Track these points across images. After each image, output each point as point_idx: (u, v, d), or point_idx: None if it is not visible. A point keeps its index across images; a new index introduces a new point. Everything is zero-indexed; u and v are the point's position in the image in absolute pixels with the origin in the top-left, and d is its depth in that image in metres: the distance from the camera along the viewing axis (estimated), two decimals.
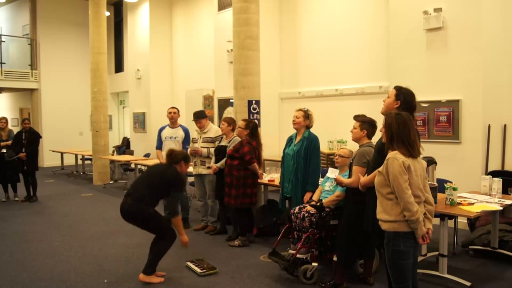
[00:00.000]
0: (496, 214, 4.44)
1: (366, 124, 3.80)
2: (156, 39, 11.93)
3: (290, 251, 4.23)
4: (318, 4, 8.17)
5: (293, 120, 4.63)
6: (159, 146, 6.14)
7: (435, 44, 5.88)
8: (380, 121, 3.29)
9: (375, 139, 3.85)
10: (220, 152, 5.53)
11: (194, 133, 6.07)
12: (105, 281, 4.16)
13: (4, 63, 13.34)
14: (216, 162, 5.53)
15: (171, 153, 4.28)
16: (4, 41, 13.78)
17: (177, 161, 4.23)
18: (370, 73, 7.30)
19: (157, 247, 4.10)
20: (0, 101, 17.08)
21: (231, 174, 5.12)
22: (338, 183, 3.89)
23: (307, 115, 4.59)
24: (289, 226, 4.39)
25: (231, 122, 5.59)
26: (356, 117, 3.88)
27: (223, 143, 5.58)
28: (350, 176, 3.79)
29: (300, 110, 4.64)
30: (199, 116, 5.83)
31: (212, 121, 7.95)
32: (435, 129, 5.92)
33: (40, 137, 8.47)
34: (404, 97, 3.24)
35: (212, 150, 5.69)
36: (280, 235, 4.43)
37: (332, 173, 4.40)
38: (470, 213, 3.77)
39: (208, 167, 5.65)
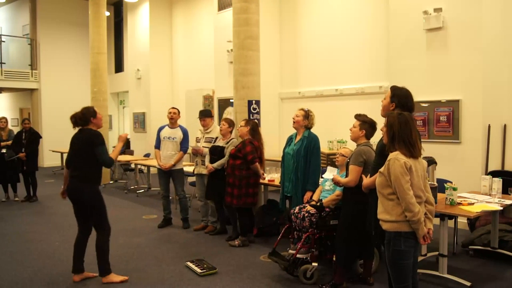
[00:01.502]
0: (496, 214, 4.44)
1: (366, 125, 3.80)
2: (156, 39, 11.93)
3: (290, 251, 4.23)
4: (318, 4, 8.17)
5: (293, 119, 4.65)
6: (158, 145, 6.13)
7: (435, 44, 5.88)
8: (380, 121, 3.29)
9: (373, 140, 3.87)
10: (216, 152, 5.52)
11: (197, 132, 6.07)
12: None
13: (4, 63, 13.34)
14: (211, 162, 5.51)
15: (75, 119, 4.01)
16: (4, 41, 13.78)
17: (86, 121, 4.03)
18: (370, 73, 7.30)
19: (98, 246, 4.06)
20: (0, 101, 17.08)
21: (233, 174, 5.11)
22: (335, 182, 3.90)
23: (307, 115, 4.59)
24: (289, 226, 4.38)
25: (232, 124, 5.60)
26: (358, 116, 3.87)
27: (220, 143, 5.58)
28: (348, 175, 3.80)
29: (302, 109, 4.65)
30: (204, 114, 5.84)
31: None
32: (435, 129, 5.91)
33: (40, 137, 8.48)
34: (399, 99, 3.18)
35: None
36: (280, 235, 4.43)
37: (330, 172, 4.40)
38: (470, 213, 3.77)
39: None
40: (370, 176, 3.24)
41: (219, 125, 5.96)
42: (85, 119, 4.03)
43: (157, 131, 6.24)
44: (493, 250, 4.57)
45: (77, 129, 4.10)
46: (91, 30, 10.15)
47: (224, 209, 5.56)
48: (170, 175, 6.08)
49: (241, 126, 5.25)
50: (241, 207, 5.15)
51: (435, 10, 5.74)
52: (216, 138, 5.72)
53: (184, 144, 6.03)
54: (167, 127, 6.14)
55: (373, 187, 3.09)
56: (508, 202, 4.14)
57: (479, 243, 4.73)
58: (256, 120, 5.82)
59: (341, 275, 3.82)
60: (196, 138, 6.02)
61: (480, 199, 4.23)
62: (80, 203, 4.03)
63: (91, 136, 3.98)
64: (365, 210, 3.39)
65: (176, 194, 6.25)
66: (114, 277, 4.09)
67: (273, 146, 8.40)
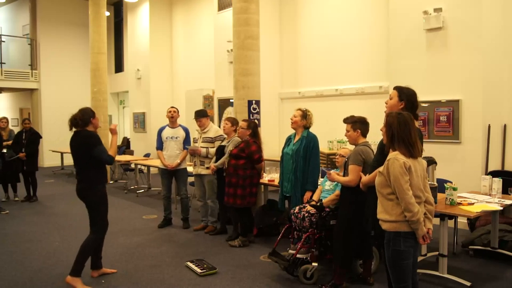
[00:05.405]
0: (496, 214, 4.43)
1: (357, 124, 3.80)
2: (156, 39, 11.94)
3: (290, 251, 4.23)
4: (318, 4, 8.17)
5: (291, 119, 4.65)
6: (160, 146, 6.13)
7: (435, 44, 5.88)
8: (380, 121, 3.29)
9: (370, 137, 3.87)
10: (219, 151, 5.53)
11: (195, 133, 6.07)
12: (103, 281, 4.16)
13: (4, 63, 13.35)
14: (216, 161, 5.53)
15: (75, 121, 3.95)
16: (4, 41, 13.79)
17: (86, 123, 3.98)
18: (370, 73, 7.30)
19: (84, 245, 3.98)
20: (0, 101, 17.09)
21: (236, 174, 5.09)
22: (331, 179, 3.87)
23: (304, 115, 4.59)
24: (289, 226, 4.39)
25: (234, 122, 5.58)
26: (345, 120, 3.88)
27: (225, 142, 5.58)
28: (345, 175, 3.79)
29: (299, 109, 4.65)
30: (200, 115, 5.82)
31: (212, 121, 7.98)
32: (435, 129, 5.92)
33: (40, 137, 8.48)
34: (407, 97, 3.24)
35: (211, 150, 5.68)
36: (280, 235, 4.43)
37: None
38: (470, 213, 3.77)
39: (207, 168, 5.65)
40: (369, 174, 3.25)
41: (219, 126, 5.97)
42: (85, 120, 3.98)
43: (157, 133, 6.22)
44: (493, 250, 4.57)
45: (73, 131, 4.03)
46: (91, 30, 10.16)
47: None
48: (173, 174, 6.09)
49: (242, 128, 5.24)
50: (245, 207, 5.15)
51: (435, 10, 5.74)
52: (219, 136, 5.72)
53: (186, 143, 6.04)
54: (167, 127, 6.13)
55: (371, 185, 3.10)
56: (508, 202, 4.14)
57: (479, 243, 4.73)
58: (256, 120, 5.82)
59: (341, 275, 3.82)
60: (193, 138, 6.02)
61: (480, 199, 4.23)
62: (87, 203, 4.05)
63: (86, 138, 3.95)
64: (363, 210, 3.39)
65: (178, 193, 6.25)
66: (79, 284, 3.92)
67: (273, 146, 8.40)
